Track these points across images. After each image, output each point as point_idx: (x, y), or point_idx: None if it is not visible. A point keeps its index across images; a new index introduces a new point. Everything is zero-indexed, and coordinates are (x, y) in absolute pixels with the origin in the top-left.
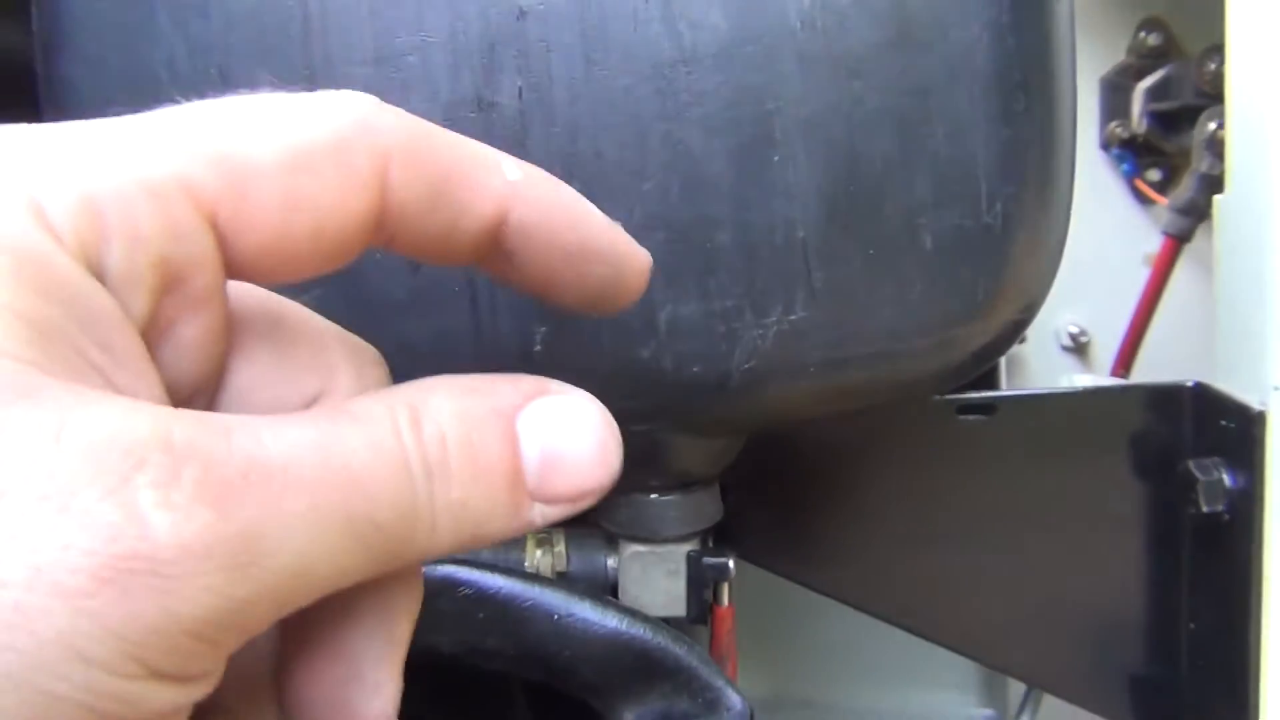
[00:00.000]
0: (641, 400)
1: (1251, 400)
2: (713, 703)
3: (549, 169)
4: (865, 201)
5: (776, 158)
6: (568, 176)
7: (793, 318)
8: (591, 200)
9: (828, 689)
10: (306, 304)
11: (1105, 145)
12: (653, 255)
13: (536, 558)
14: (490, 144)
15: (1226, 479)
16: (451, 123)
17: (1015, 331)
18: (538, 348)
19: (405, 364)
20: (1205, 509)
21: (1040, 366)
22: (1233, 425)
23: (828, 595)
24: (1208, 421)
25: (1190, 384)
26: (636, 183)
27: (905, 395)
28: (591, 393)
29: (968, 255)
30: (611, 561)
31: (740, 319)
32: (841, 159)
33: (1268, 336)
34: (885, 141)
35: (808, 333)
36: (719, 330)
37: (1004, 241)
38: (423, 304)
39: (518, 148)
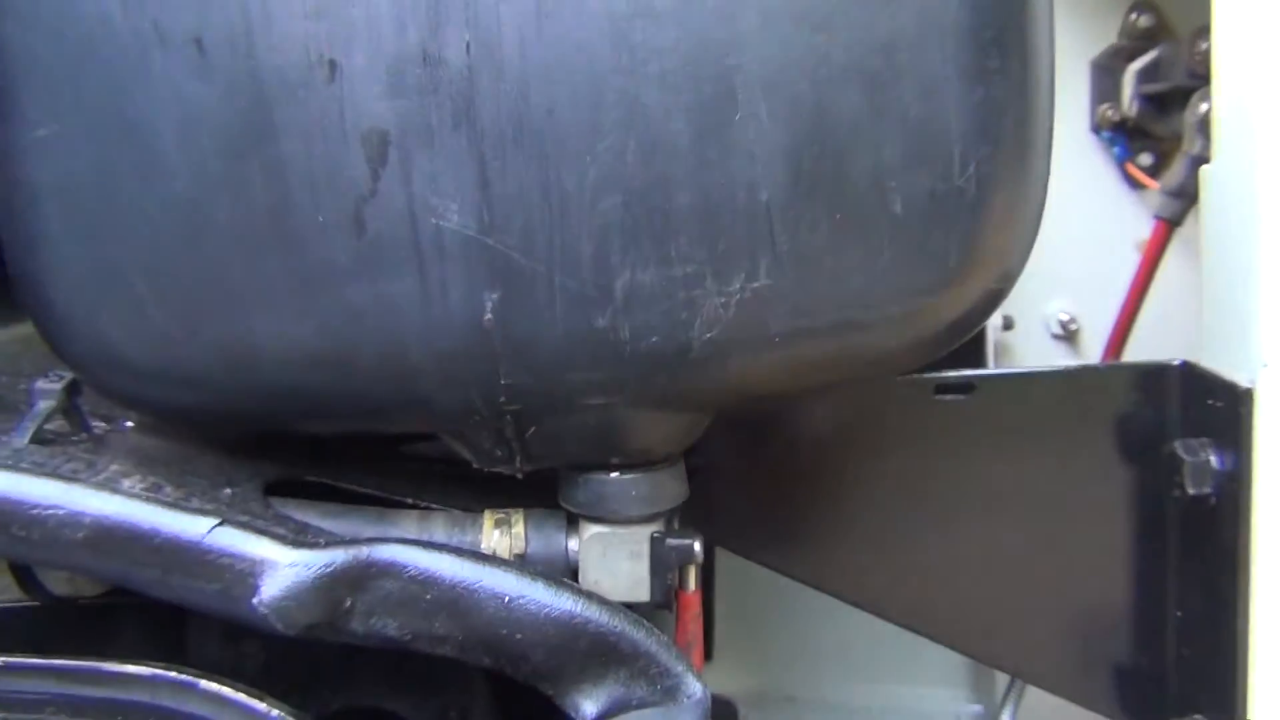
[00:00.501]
0: (598, 372)
1: (1240, 378)
2: (672, 690)
3: (498, 128)
4: (831, 163)
5: (738, 116)
6: (518, 135)
7: (756, 285)
8: (544, 161)
9: (812, 684)
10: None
11: (1096, 129)
12: (609, 219)
13: (493, 539)
14: (437, 101)
15: (1214, 460)
16: (397, 79)
17: (991, 303)
18: (488, 316)
19: (350, 332)
20: (1192, 492)
21: (1029, 355)
22: (1220, 404)
23: (804, 583)
24: (1195, 401)
25: (1177, 363)
26: (591, 142)
27: (876, 370)
28: (545, 364)
29: (939, 220)
30: (572, 543)
31: (701, 286)
32: (806, 118)
33: (1255, 311)
34: (852, 100)
35: (772, 301)
36: (679, 298)
37: (978, 206)
38: (368, 269)
39: (465, 105)
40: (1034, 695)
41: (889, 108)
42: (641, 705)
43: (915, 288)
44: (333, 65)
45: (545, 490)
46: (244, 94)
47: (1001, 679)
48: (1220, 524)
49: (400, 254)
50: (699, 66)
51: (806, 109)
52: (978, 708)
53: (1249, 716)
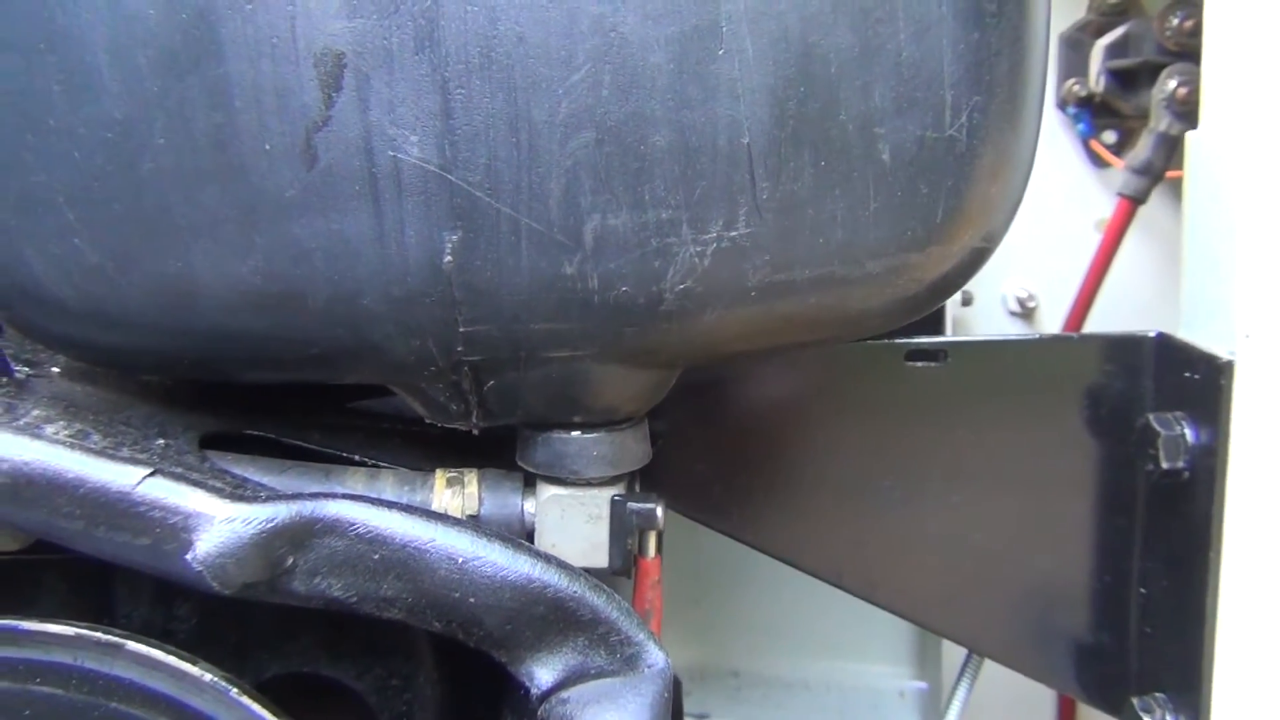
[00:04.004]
0: (563, 323)
1: (1219, 350)
2: (632, 659)
3: (464, 53)
4: (818, 105)
5: (722, 51)
6: (485, 62)
7: (734, 234)
8: (512, 92)
9: (756, 659)
10: None
11: (1061, 104)
12: (580, 158)
13: (445, 499)
14: (398, 21)
15: (1189, 434)
16: (355, 2)
17: (975, 263)
18: (448, 259)
19: (299, 272)
20: (1165, 465)
21: (987, 332)
22: (1197, 377)
23: (759, 549)
24: (1170, 373)
25: (1152, 334)
26: (563, 73)
27: (853, 330)
28: (507, 312)
29: (928, 170)
30: (529, 505)
31: (676, 233)
32: (794, 56)
33: (1238, 280)
34: (843, 38)
35: (750, 251)
36: (652, 245)
37: (969, 157)
38: (318, 203)
39: (429, 27)
40: (988, 672)
41: (881, 47)
42: (600, 674)
43: (900, 241)
44: None
45: (501, 451)
46: (186, 6)
47: (946, 657)
48: (1192, 499)
49: (354, 188)
50: None
51: (794, 46)
52: (922, 684)
53: (1212, 695)
